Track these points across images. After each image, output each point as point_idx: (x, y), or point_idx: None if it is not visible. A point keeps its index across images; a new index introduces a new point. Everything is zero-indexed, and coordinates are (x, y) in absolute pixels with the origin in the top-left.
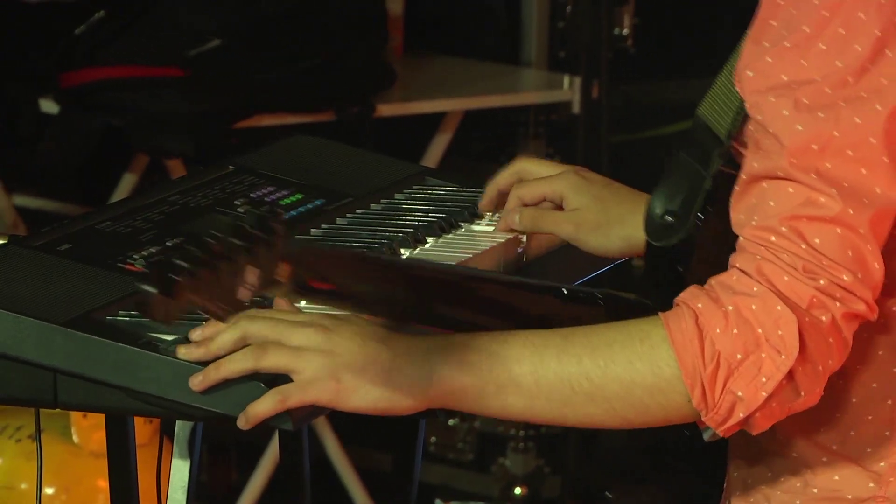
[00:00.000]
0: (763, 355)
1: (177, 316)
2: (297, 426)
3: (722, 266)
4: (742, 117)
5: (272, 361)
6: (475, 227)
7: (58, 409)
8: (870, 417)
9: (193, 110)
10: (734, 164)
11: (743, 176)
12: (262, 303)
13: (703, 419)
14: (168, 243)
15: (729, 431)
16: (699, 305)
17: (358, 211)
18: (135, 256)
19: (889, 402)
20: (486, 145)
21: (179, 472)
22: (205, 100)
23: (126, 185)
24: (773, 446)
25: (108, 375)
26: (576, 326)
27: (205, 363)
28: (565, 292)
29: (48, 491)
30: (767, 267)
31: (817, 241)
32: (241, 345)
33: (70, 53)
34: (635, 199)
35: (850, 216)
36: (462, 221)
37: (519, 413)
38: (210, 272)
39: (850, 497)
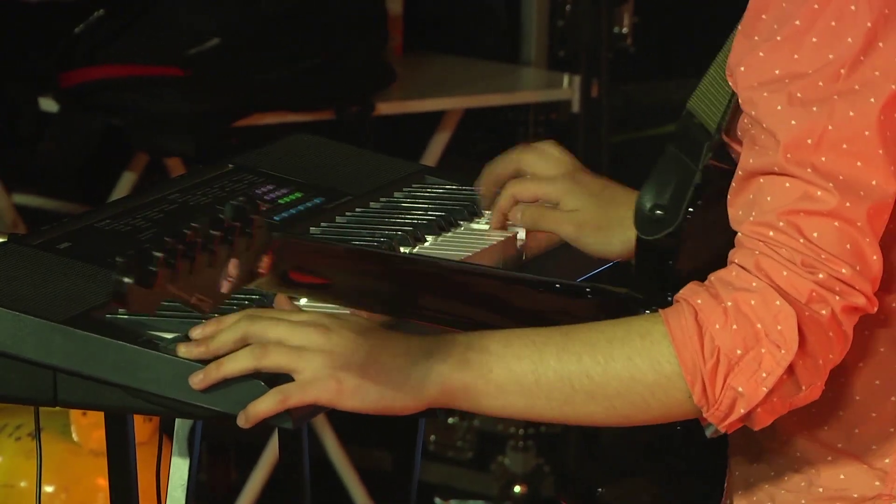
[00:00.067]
0: (763, 350)
1: (155, 308)
2: (296, 425)
3: (711, 260)
4: (732, 111)
5: (273, 361)
6: (474, 226)
7: (57, 408)
8: (874, 414)
9: (193, 110)
10: (724, 158)
11: (739, 172)
12: (263, 302)
13: (704, 415)
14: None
15: (731, 428)
16: (699, 302)
17: (357, 209)
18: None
19: (893, 398)
20: (485, 144)
21: (179, 470)
22: (205, 99)
23: (125, 183)
24: (774, 445)
25: (107, 374)
26: (575, 324)
27: (205, 362)
28: (557, 287)
29: (48, 489)
30: (766, 262)
31: (815, 235)
32: (242, 344)
33: (70, 53)
34: (633, 200)
35: (847, 209)
36: (461, 220)
37: (519, 412)
38: (189, 263)
39: (856, 496)
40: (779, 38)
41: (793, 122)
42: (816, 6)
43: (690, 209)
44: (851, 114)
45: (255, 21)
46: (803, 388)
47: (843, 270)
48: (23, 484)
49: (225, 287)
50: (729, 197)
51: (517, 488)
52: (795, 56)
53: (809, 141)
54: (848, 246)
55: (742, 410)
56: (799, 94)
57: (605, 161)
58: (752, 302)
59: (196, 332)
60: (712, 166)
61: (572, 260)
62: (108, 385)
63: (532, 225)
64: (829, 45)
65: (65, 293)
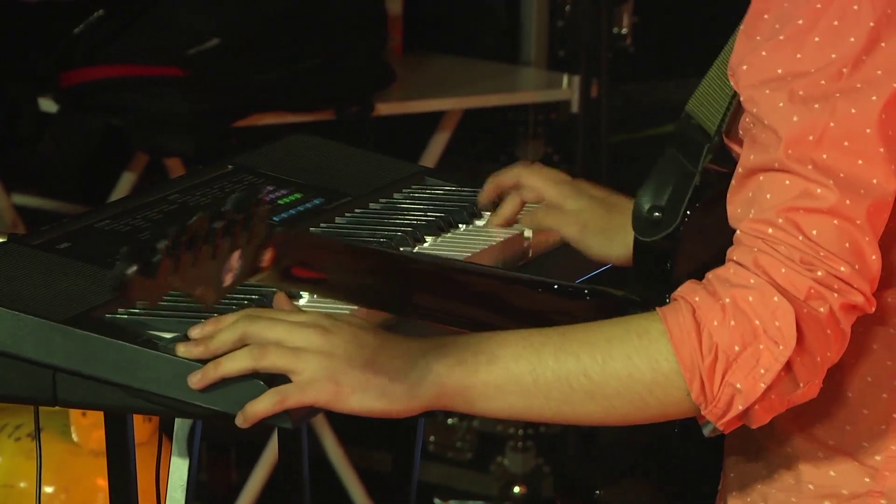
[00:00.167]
0: (761, 347)
1: (157, 299)
2: (295, 425)
3: (709, 263)
4: (733, 112)
5: (271, 362)
6: (474, 227)
7: (57, 408)
8: (865, 411)
9: (193, 110)
10: (723, 160)
11: (739, 170)
12: (262, 302)
13: (702, 413)
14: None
15: (729, 426)
16: (696, 299)
17: (357, 210)
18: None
19: (885, 395)
20: (485, 145)
21: (178, 470)
22: (205, 100)
23: (125, 184)
24: (770, 443)
25: (107, 373)
26: (573, 324)
27: (204, 361)
28: (556, 287)
29: (47, 489)
30: (764, 259)
31: (815, 232)
32: (241, 344)
33: (70, 53)
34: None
35: (846, 207)
36: (461, 221)
37: (518, 412)
38: (192, 255)
39: (845, 493)
40: (781, 37)
41: (794, 119)
42: (819, 6)
43: (688, 211)
44: (853, 111)
45: (255, 21)
46: (801, 385)
47: (842, 268)
48: (22, 484)
49: (227, 280)
50: (728, 195)
51: (516, 489)
52: (798, 55)
53: (811, 137)
54: (847, 244)
55: (740, 407)
56: (801, 92)
57: (604, 161)
58: (750, 298)
59: (195, 332)
60: (711, 169)
61: (572, 261)
62: (108, 385)
63: (536, 224)
64: (831, 44)
65: (64, 293)
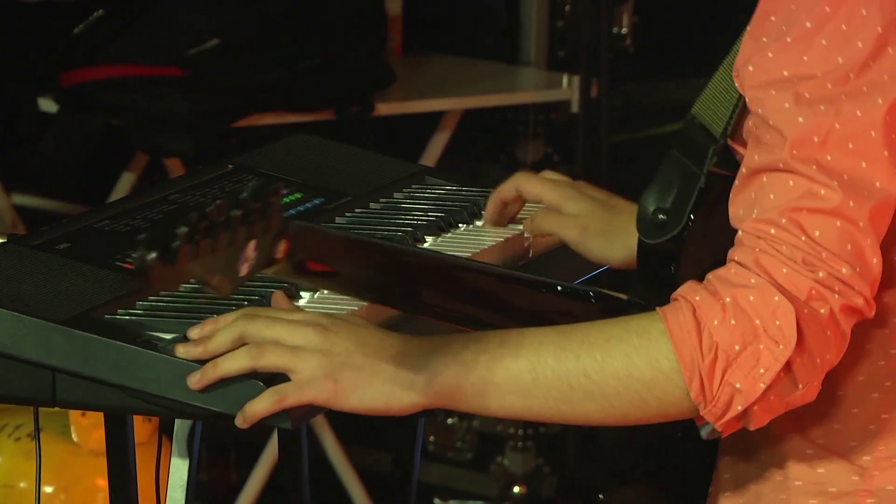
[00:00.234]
0: (761, 346)
1: (177, 286)
2: (295, 425)
3: (713, 266)
4: (739, 114)
5: (270, 361)
6: (474, 227)
7: (57, 408)
8: (855, 410)
9: (193, 110)
10: (728, 163)
11: (743, 170)
12: (261, 301)
13: (701, 413)
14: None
15: (728, 427)
16: (697, 298)
17: (357, 210)
18: (134, 255)
19: (875, 395)
20: (485, 145)
21: (178, 470)
22: (205, 100)
23: (125, 184)
24: (763, 443)
25: (106, 374)
26: (573, 323)
27: (203, 362)
28: (560, 289)
29: (47, 490)
30: (766, 259)
31: (817, 233)
32: (239, 343)
33: (70, 53)
34: (635, 211)
35: (850, 209)
36: (461, 221)
37: (517, 411)
38: (211, 241)
39: (833, 490)
40: (788, 39)
41: (800, 120)
42: (827, 9)
43: (693, 214)
44: (858, 114)
45: (255, 21)
46: (800, 386)
47: (843, 270)
48: (22, 484)
49: (243, 270)
50: (731, 195)
51: (516, 489)
52: (804, 58)
53: (816, 138)
54: (849, 246)
55: (739, 407)
56: (807, 95)
57: (604, 161)
58: (751, 298)
59: (194, 332)
60: (715, 172)
61: (572, 261)
62: (108, 385)
63: (536, 228)
64: (838, 48)
65: (64, 293)
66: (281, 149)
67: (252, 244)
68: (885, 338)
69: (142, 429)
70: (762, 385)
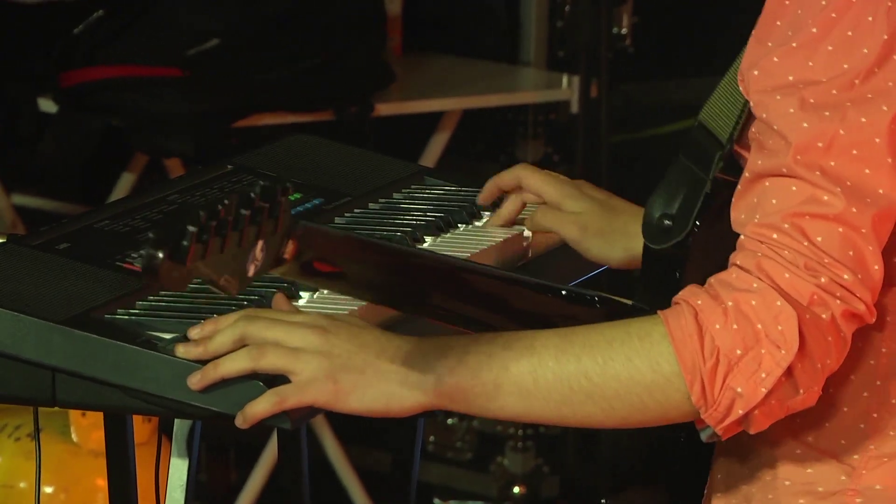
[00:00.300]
0: (763, 351)
1: (185, 285)
2: (294, 426)
3: (716, 271)
4: (744, 120)
5: (270, 362)
6: (473, 227)
7: (56, 408)
8: (845, 409)
9: (193, 110)
10: (734, 169)
11: (746, 174)
12: (261, 302)
13: (702, 417)
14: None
15: (728, 431)
16: (699, 302)
17: (356, 210)
18: (133, 255)
19: (865, 394)
20: (484, 145)
21: (178, 470)
22: (205, 100)
23: (124, 184)
24: (757, 443)
25: (106, 374)
26: (575, 326)
27: (203, 362)
28: (564, 293)
29: (47, 490)
30: (768, 263)
31: (819, 239)
32: (240, 344)
33: (69, 53)
34: (636, 211)
35: (852, 215)
36: (460, 221)
37: (518, 413)
38: (219, 241)
39: (821, 490)
40: (794, 44)
41: (804, 125)
42: (834, 14)
43: (699, 220)
44: (863, 120)
45: (255, 21)
46: (801, 391)
47: (845, 276)
48: (22, 484)
49: (251, 270)
50: (733, 200)
51: (516, 489)
52: (810, 63)
53: (820, 144)
54: (851, 252)
55: (740, 411)
56: (812, 100)
57: (604, 161)
58: (753, 302)
59: (194, 333)
60: (721, 178)
61: (571, 261)
62: (107, 385)
63: (535, 225)
64: (844, 54)
65: (64, 293)
66: (281, 149)
67: (260, 244)
68: (877, 338)
69: (141, 429)
70: (763, 389)
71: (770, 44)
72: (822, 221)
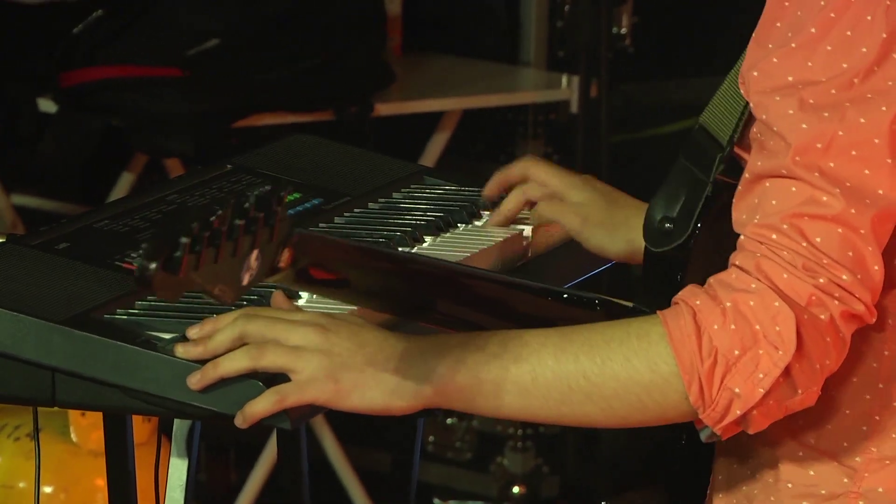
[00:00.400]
0: (760, 351)
1: (179, 295)
2: (294, 425)
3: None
4: (745, 122)
5: (270, 361)
6: (473, 227)
7: (56, 408)
8: (847, 411)
9: (193, 110)
10: (734, 172)
11: (746, 175)
12: (260, 301)
13: (700, 417)
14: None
15: (727, 431)
16: (697, 303)
17: (356, 210)
18: (133, 255)
19: (868, 396)
20: (484, 145)
21: (178, 470)
22: (205, 100)
23: (124, 184)
24: (757, 444)
25: (106, 374)
26: (574, 326)
27: (203, 362)
28: (565, 297)
29: (46, 490)
30: (767, 264)
31: (818, 239)
32: (239, 343)
33: (69, 53)
34: (639, 206)
35: (851, 216)
36: (460, 221)
37: (516, 412)
38: (213, 251)
39: (823, 492)
40: (793, 45)
41: (804, 126)
42: (832, 14)
43: (700, 223)
44: (862, 121)
45: (255, 21)
46: (799, 391)
47: (844, 277)
48: (22, 484)
49: (245, 279)
50: (734, 200)
51: (516, 489)
52: (809, 63)
53: (819, 145)
54: (850, 253)
55: (738, 412)
56: (811, 101)
57: (604, 161)
58: (751, 303)
59: (193, 332)
60: (722, 180)
61: (571, 261)
62: (107, 385)
63: (538, 216)
64: (843, 53)
65: (63, 293)
66: (281, 149)
67: (255, 253)
68: (879, 340)
69: (141, 429)
70: (761, 390)
71: (770, 45)
72: (821, 222)
